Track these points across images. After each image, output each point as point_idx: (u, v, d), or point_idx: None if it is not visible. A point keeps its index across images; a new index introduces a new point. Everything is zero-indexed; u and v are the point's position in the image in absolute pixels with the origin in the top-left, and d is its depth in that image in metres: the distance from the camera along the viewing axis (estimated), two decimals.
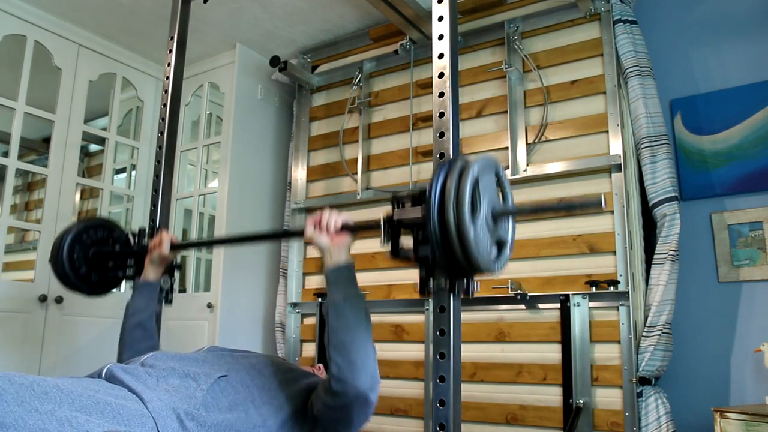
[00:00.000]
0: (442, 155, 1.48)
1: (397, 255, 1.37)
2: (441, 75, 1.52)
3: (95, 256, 1.98)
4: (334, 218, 1.47)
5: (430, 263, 1.32)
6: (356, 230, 1.49)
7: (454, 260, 1.19)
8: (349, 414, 1.30)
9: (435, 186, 1.21)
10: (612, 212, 2.27)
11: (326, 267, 1.42)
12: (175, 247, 1.88)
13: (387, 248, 1.38)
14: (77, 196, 3.66)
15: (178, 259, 2.01)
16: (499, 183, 1.34)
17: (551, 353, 2.27)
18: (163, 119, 2.18)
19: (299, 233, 1.56)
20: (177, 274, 2.03)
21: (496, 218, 1.27)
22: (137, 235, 2.04)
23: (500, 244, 1.30)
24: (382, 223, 1.38)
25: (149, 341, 1.76)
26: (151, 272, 1.86)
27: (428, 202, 1.20)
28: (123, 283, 2.09)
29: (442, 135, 1.49)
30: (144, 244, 2.00)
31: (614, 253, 2.24)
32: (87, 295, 2.00)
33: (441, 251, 1.20)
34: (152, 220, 2.13)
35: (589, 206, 1.14)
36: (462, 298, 1.38)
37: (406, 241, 1.37)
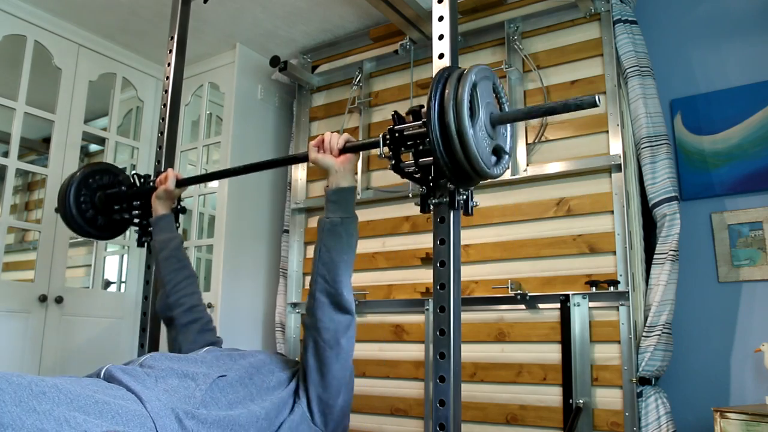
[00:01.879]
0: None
1: (399, 168, 1.40)
2: None
3: (102, 200, 2.02)
4: (336, 138, 1.51)
5: (431, 177, 1.36)
6: (359, 148, 1.53)
7: (456, 162, 1.23)
8: (336, 327, 1.38)
9: (434, 93, 1.24)
10: (612, 212, 2.27)
11: (329, 186, 1.48)
12: (180, 182, 1.90)
13: (388, 162, 1.42)
14: None
15: (183, 200, 2.03)
16: (496, 92, 1.36)
17: (551, 353, 2.27)
18: (163, 119, 2.18)
19: (303, 158, 1.60)
20: (182, 219, 2.05)
21: (495, 125, 1.30)
22: (143, 177, 2.06)
23: (499, 151, 1.33)
24: (382, 138, 1.41)
25: (185, 271, 1.80)
26: (160, 207, 1.89)
27: (428, 107, 1.23)
28: (128, 230, 2.16)
29: None
30: (149, 186, 2.01)
31: (614, 253, 2.23)
32: (95, 239, 2.03)
33: (442, 152, 1.22)
34: None
35: (584, 106, 1.15)
36: (463, 299, 1.39)
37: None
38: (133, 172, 2.08)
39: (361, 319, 2.77)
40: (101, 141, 3.42)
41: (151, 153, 3.33)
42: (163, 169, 2.10)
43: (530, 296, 2.32)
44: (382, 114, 2.94)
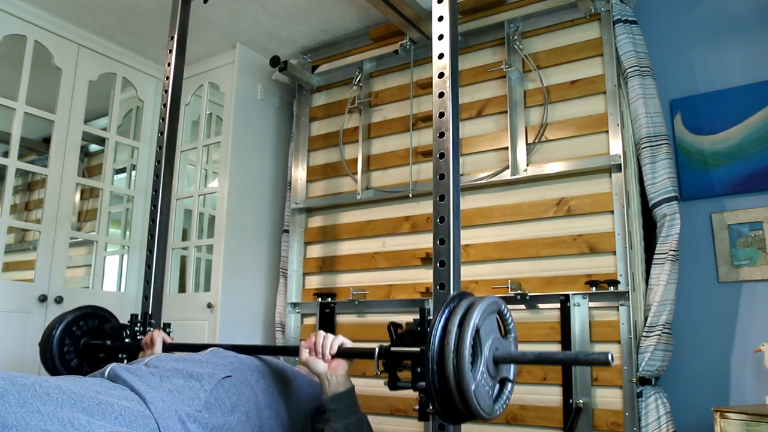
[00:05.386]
0: (441, 155, 1.48)
1: (395, 387, 1.34)
2: (441, 75, 1.52)
3: (86, 348, 1.93)
4: (329, 342, 1.43)
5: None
6: (353, 356, 1.45)
7: (454, 408, 1.17)
8: None
9: (434, 335, 1.17)
10: (612, 212, 2.27)
11: (325, 395, 1.39)
12: (167, 347, 1.82)
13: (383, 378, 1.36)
14: (77, 196, 3.67)
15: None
16: (502, 318, 1.32)
17: None
18: (163, 119, 2.18)
19: (293, 353, 1.51)
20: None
21: (498, 364, 1.25)
22: (130, 324, 1.99)
23: (502, 383, 1.28)
24: (376, 354, 1.35)
25: None
26: None
27: (426, 354, 1.17)
28: None
29: (442, 135, 1.50)
30: (137, 335, 1.95)
31: (614, 253, 2.24)
32: None
33: (440, 401, 1.17)
34: (152, 220, 2.13)
35: (595, 364, 1.11)
36: None
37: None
38: (123, 323, 2.01)
39: (362, 319, 2.77)
40: (101, 141, 3.42)
41: (151, 153, 3.33)
42: (163, 174, 2.10)
43: (530, 296, 2.32)
44: (382, 114, 2.94)
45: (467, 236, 2.52)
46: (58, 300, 2.82)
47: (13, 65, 2.84)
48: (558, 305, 2.27)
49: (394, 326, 1.36)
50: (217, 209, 3.09)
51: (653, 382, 2.15)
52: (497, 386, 1.25)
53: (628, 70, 2.32)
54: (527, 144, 2.48)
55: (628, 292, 2.16)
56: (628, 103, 2.34)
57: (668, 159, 2.28)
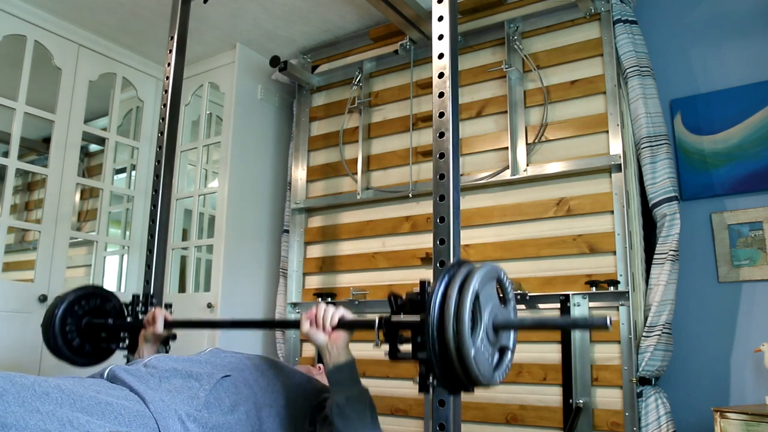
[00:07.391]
0: (441, 155, 1.48)
1: (395, 357, 1.34)
2: (441, 75, 1.52)
3: (88, 327, 1.92)
4: (330, 314, 1.43)
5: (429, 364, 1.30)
6: (353, 327, 1.45)
7: (454, 375, 1.17)
8: None
9: (434, 300, 1.17)
10: (612, 212, 2.27)
11: (326, 367, 1.40)
12: (168, 324, 1.84)
13: (384, 349, 1.36)
14: (77, 196, 3.67)
15: (173, 332, 1.98)
16: (500, 285, 1.31)
17: (551, 353, 2.27)
18: (163, 119, 2.18)
19: (294, 326, 1.51)
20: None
21: (498, 330, 1.24)
22: (131, 304, 2.00)
23: (502, 351, 1.27)
24: (377, 324, 1.35)
25: None
26: (145, 350, 1.82)
27: (426, 320, 1.17)
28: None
29: (442, 135, 1.50)
30: (138, 315, 1.95)
31: (614, 253, 2.24)
32: (80, 367, 1.93)
33: (440, 368, 1.17)
34: (152, 220, 2.13)
35: (594, 327, 1.11)
36: None
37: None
38: (123, 302, 2.00)
39: (362, 319, 2.76)
40: (101, 141, 3.42)
41: (151, 153, 3.33)
42: (163, 174, 2.10)
43: (530, 296, 2.32)
44: (382, 114, 2.94)
45: (467, 236, 2.52)
46: None
47: (13, 65, 2.84)
48: (558, 305, 2.27)
49: (394, 297, 1.35)
50: (217, 209, 3.08)
51: (653, 382, 2.15)
52: (497, 355, 1.25)
53: (628, 70, 2.33)
54: (527, 144, 2.48)
55: (628, 292, 2.16)
56: (628, 103, 2.34)
57: (668, 159, 2.28)
